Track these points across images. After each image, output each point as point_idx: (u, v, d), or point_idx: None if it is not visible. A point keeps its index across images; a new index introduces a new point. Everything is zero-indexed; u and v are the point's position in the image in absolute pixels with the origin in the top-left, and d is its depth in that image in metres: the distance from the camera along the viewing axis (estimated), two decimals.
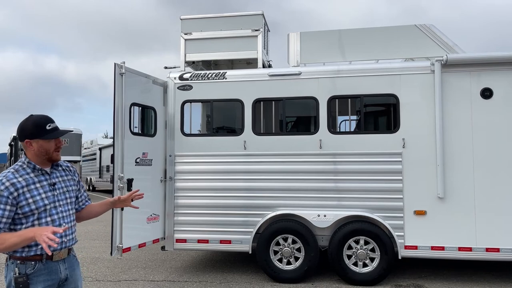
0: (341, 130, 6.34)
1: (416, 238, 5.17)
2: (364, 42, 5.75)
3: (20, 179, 2.28)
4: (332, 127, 5.58)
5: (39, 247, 2.25)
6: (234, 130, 6.24)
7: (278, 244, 5.51)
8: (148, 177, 5.49)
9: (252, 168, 5.59)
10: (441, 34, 5.55)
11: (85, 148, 26.79)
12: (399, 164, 5.26)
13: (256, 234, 5.52)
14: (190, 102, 5.90)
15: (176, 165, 5.79)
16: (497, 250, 5.01)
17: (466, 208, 5.10)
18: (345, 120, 6.55)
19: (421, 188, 5.20)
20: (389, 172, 5.28)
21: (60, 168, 2.49)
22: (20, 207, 2.24)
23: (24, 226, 2.26)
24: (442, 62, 5.18)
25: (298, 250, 5.46)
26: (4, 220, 2.22)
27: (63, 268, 2.38)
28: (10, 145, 22.05)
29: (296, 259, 5.47)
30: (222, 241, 5.60)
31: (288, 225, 5.45)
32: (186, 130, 5.87)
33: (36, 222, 2.27)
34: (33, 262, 2.27)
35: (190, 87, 5.83)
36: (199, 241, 5.65)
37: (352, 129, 6.32)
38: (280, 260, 5.51)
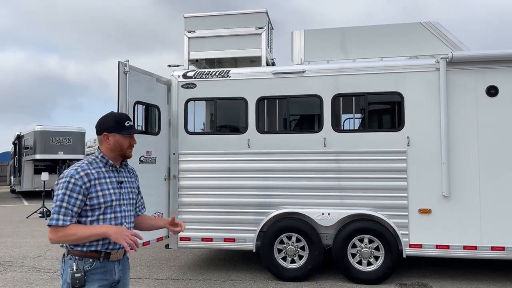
0: (345, 128, 6.31)
1: (421, 236, 5.15)
2: (368, 40, 5.73)
3: (93, 171, 2.29)
4: (336, 125, 5.56)
5: (100, 243, 2.23)
6: (237, 128, 6.22)
7: (282, 242, 5.50)
8: (152, 175, 5.49)
9: (256, 167, 5.58)
10: (446, 31, 5.51)
11: (89, 147, 26.82)
12: (404, 163, 5.24)
13: (260, 233, 5.51)
14: (194, 100, 5.90)
15: (180, 163, 5.79)
16: (503, 248, 4.98)
17: (471, 206, 5.07)
18: (349, 118, 6.51)
19: (425, 187, 5.18)
20: (393, 170, 5.26)
21: (126, 169, 2.52)
22: (90, 198, 2.23)
23: (89, 219, 2.24)
24: (447, 59, 5.14)
25: (302, 248, 5.45)
26: (75, 209, 2.20)
27: (118, 269, 2.35)
28: (13, 143, 22.09)
29: (300, 257, 5.46)
30: (226, 240, 5.60)
31: (292, 224, 5.44)
32: (190, 128, 5.86)
33: (101, 217, 2.26)
34: (91, 260, 2.24)
35: (193, 85, 5.83)
36: (203, 239, 5.65)
37: (356, 127, 6.29)
38: (284, 259, 5.50)
